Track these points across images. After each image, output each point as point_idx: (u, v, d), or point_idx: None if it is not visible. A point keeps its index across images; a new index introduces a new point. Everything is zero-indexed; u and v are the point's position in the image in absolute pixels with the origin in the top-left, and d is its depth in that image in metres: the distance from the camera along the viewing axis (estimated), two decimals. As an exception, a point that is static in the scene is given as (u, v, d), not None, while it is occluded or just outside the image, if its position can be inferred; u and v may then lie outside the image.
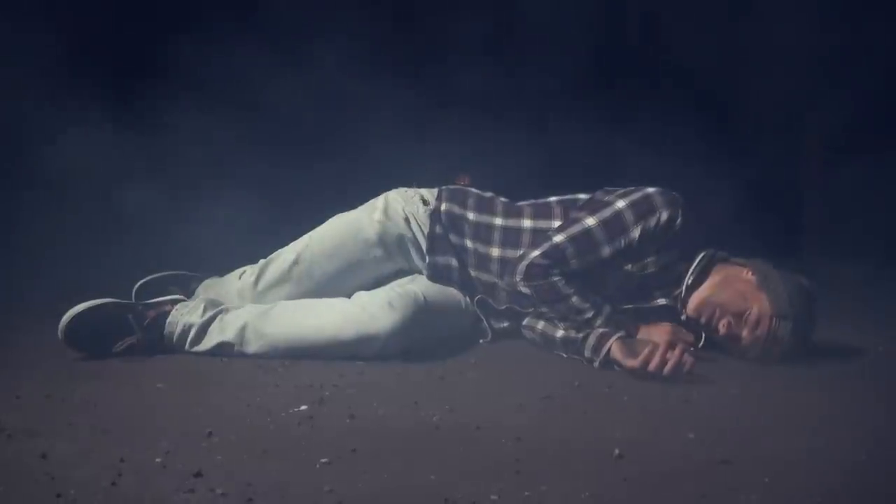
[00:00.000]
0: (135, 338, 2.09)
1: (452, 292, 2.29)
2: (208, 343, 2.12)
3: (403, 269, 2.33)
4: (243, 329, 2.11)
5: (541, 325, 2.21)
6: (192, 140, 3.40)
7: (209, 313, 2.14)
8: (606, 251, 2.11)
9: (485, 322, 2.31)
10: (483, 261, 2.27)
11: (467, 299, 2.30)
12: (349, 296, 2.20)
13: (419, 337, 2.13)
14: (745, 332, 2.05)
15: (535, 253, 2.13)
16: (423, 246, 2.30)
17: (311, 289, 2.27)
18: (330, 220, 2.36)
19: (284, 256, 2.32)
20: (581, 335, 2.10)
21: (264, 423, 1.63)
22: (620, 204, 2.12)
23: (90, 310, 2.05)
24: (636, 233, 2.09)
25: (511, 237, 2.24)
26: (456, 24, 3.57)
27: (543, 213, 2.26)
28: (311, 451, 1.46)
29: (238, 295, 2.32)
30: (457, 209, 2.31)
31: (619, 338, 2.03)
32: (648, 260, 2.12)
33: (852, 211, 3.88)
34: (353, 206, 2.37)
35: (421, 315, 2.13)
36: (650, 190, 2.13)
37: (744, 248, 2.22)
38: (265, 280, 2.31)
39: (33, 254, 3.02)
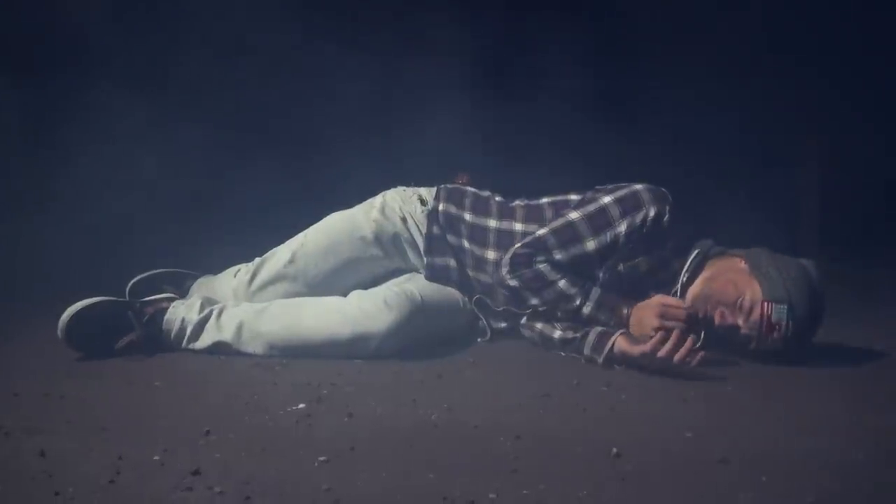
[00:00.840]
0: (135, 334, 2.09)
1: (450, 291, 2.28)
2: (205, 341, 2.12)
3: (401, 267, 2.33)
4: (239, 328, 2.11)
5: (539, 324, 2.21)
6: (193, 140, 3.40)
7: (205, 311, 2.14)
8: (591, 245, 2.10)
9: (483, 322, 2.31)
10: (480, 262, 2.27)
11: (465, 299, 2.30)
12: (345, 295, 2.19)
13: (416, 336, 2.13)
14: (740, 322, 2.00)
15: (518, 244, 2.14)
16: (421, 246, 2.30)
17: (307, 287, 2.27)
18: (326, 217, 2.35)
19: (280, 255, 2.32)
20: (579, 335, 2.10)
21: (262, 421, 1.63)
22: (606, 199, 2.12)
23: (88, 307, 2.05)
24: (622, 227, 2.09)
25: (504, 240, 2.24)
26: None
27: (535, 215, 2.26)
28: (309, 450, 1.46)
29: (233, 293, 2.31)
30: (454, 209, 2.31)
31: (622, 333, 2.04)
32: (639, 259, 2.11)
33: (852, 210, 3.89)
34: (350, 205, 2.37)
35: (418, 314, 2.13)
36: (638, 186, 2.13)
37: (743, 240, 2.19)
38: (260, 278, 2.31)
39: (33, 253, 3.02)
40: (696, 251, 2.12)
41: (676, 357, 1.91)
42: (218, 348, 2.11)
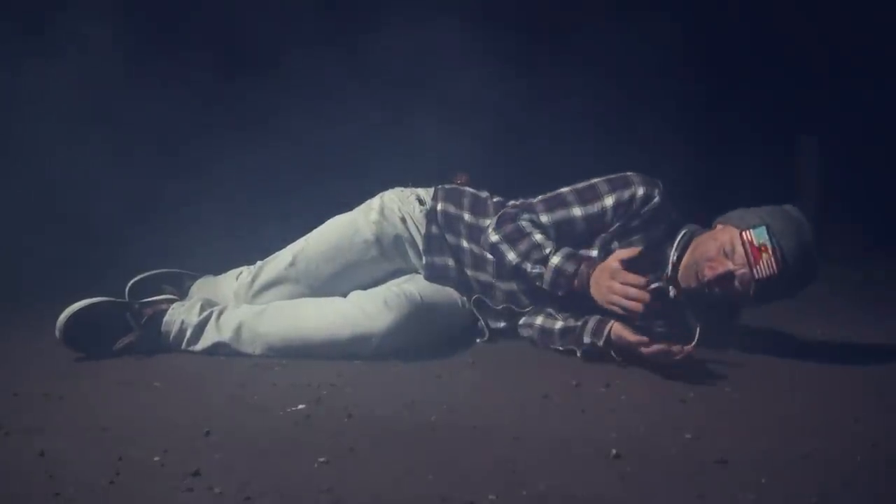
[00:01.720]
0: (133, 336, 2.09)
1: (449, 292, 2.28)
2: (205, 343, 2.12)
3: (401, 268, 2.33)
4: (239, 329, 2.11)
5: (539, 319, 2.22)
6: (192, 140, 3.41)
7: (205, 313, 2.14)
8: (578, 211, 2.14)
9: (482, 322, 2.31)
10: (479, 261, 2.27)
11: (464, 299, 2.30)
12: (346, 296, 2.19)
13: (415, 336, 2.13)
14: (730, 266, 1.99)
15: (509, 205, 2.22)
16: (420, 246, 2.30)
17: (308, 289, 2.26)
18: (327, 221, 2.36)
19: (281, 258, 2.32)
20: (579, 323, 2.11)
21: (262, 422, 1.63)
22: (596, 179, 2.18)
23: (87, 308, 2.05)
24: (609, 201, 2.12)
25: None
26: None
27: None
28: (308, 451, 1.47)
29: (234, 295, 2.31)
30: (452, 209, 2.31)
31: (618, 320, 2.04)
32: (634, 238, 2.12)
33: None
34: (350, 208, 2.37)
35: (417, 314, 2.13)
36: (629, 173, 2.16)
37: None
38: (261, 281, 2.30)
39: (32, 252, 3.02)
40: (683, 231, 2.14)
41: (675, 348, 1.92)
42: (217, 349, 2.11)
